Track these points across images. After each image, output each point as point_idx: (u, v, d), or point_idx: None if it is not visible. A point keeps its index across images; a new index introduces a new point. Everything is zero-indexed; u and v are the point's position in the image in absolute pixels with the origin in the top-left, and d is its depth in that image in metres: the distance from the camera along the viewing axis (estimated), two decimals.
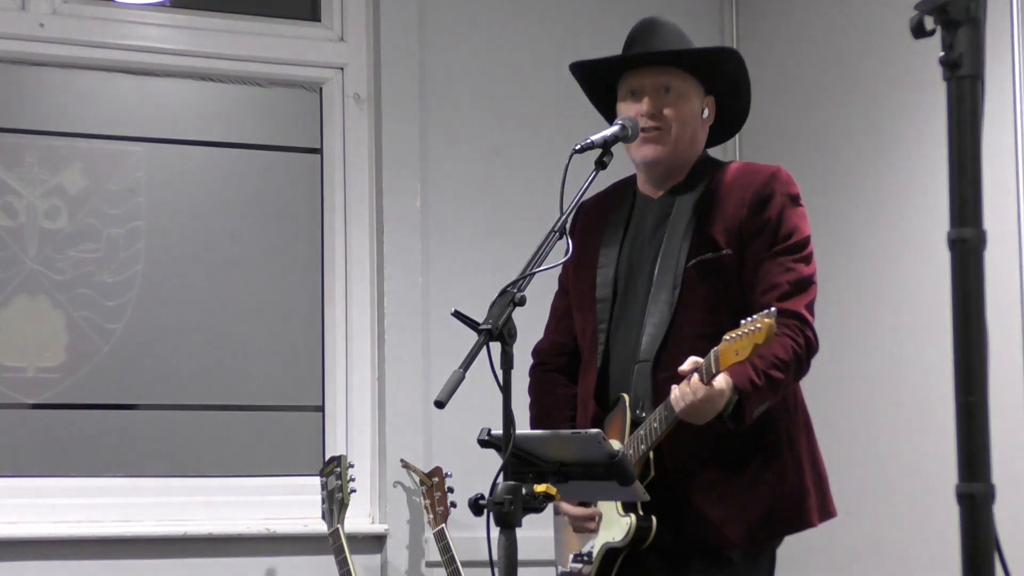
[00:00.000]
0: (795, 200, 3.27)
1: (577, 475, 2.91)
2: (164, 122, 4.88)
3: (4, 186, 4.69)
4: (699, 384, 2.98)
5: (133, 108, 4.86)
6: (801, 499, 3.25)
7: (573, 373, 3.47)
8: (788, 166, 3.39)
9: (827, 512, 3.31)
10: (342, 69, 5.00)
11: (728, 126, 3.46)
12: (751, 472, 3.21)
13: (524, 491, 2.69)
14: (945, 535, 2.34)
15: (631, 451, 3.15)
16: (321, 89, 5.00)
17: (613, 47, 5.24)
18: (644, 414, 3.19)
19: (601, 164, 3.16)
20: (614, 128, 3.21)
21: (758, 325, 2.88)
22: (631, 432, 3.19)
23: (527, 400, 3.53)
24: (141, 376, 4.77)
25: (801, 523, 3.26)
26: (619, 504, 3.20)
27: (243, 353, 4.89)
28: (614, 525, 3.22)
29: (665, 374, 3.16)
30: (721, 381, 3.00)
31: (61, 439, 4.68)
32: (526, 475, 2.82)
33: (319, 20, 5.04)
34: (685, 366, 3.03)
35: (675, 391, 3.03)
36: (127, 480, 4.68)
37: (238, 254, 4.93)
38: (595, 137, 3.18)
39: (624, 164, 3.61)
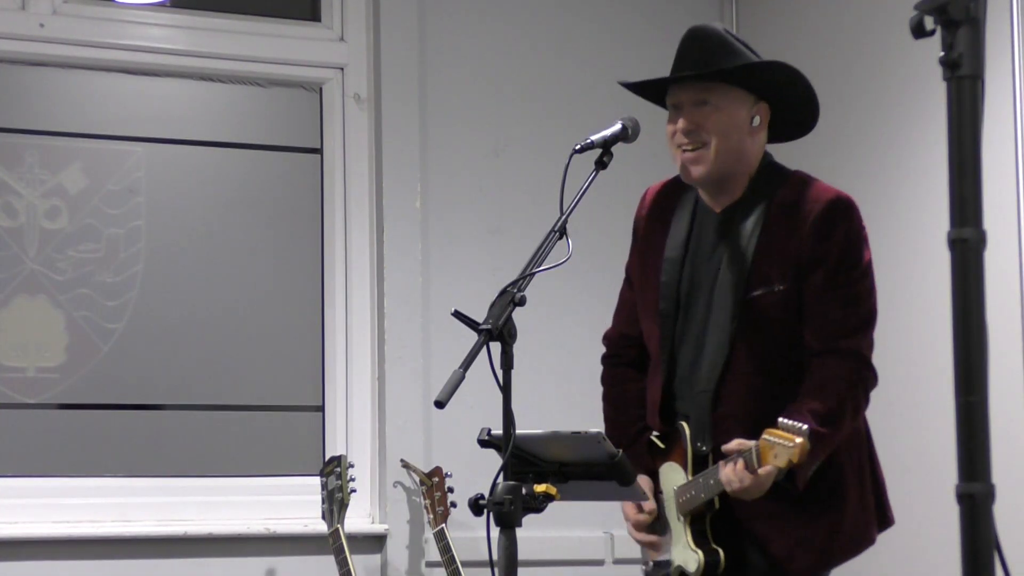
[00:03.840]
0: (859, 228, 3.21)
1: (577, 475, 2.92)
2: (164, 122, 4.88)
3: (4, 186, 4.69)
4: (745, 472, 3.02)
5: (133, 108, 4.85)
6: (864, 525, 3.27)
7: (642, 365, 3.45)
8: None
9: (885, 523, 3.34)
10: (342, 69, 5.00)
11: (797, 125, 3.36)
12: (815, 504, 3.21)
13: (524, 491, 2.69)
14: (945, 535, 2.34)
15: (691, 493, 3.20)
16: (321, 89, 5.00)
17: (613, 47, 5.26)
18: (704, 447, 3.23)
19: (601, 164, 3.16)
20: (614, 128, 3.21)
21: (794, 442, 2.93)
22: (694, 467, 3.24)
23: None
24: (141, 376, 4.77)
25: (861, 546, 3.28)
26: (689, 534, 3.23)
27: (243, 353, 4.89)
28: (686, 553, 3.24)
29: (723, 409, 3.20)
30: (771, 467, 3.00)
31: (61, 439, 4.68)
32: (526, 475, 2.82)
33: (319, 20, 5.03)
34: (731, 445, 3.06)
35: (723, 472, 3.06)
36: (127, 480, 4.68)
37: (238, 254, 4.92)
38: (595, 137, 3.18)
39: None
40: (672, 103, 3.28)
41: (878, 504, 3.31)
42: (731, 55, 3.24)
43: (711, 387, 3.23)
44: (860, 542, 3.28)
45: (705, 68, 3.21)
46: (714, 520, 3.19)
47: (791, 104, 3.30)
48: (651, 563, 3.39)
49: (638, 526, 3.37)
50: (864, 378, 3.17)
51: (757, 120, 3.26)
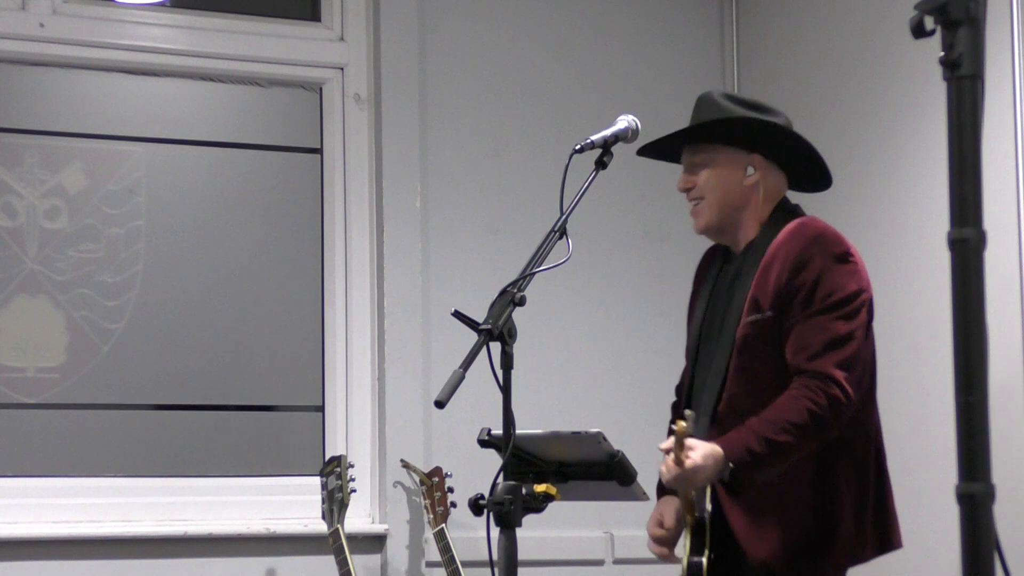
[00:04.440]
0: (840, 259, 3.30)
1: (577, 475, 2.93)
2: (164, 122, 4.88)
3: (4, 186, 4.69)
4: (672, 465, 3.11)
5: (133, 108, 4.85)
6: (853, 546, 3.32)
7: None
8: None
9: (888, 546, 3.40)
10: (342, 69, 5.00)
11: (809, 177, 3.54)
12: (805, 515, 3.28)
13: (524, 491, 2.70)
14: (945, 535, 2.34)
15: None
16: (321, 89, 5.00)
17: (612, 47, 5.26)
18: None
19: (601, 164, 3.18)
20: (615, 128, 3.22)
21: (674, 427, 3.09)
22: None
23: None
24: (141, 376, 4.77)
25: (848, 562, 3.35)
26: (688, 542, 3.31)
27: (243, 353, 4.89)
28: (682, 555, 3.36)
29: (718, 432, 3.27)
30: (708, 452, 3.13)
31: (61, 439, 4.67)
32: (526, 475, 2.83)
33: (319, 20, 5.03)
34: (663, 444, 3.17)
35: (662, 471, 3.18)
36: (127, 480, 4.68)
37: (238, 254, 4.92)
38: (595, 137, 3.19)
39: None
40: (683, 164, 3.53)
41: (880, 527, 3.36)
42: (717, 114, 3.42)
43: (709, 411, 3.34)
44: (848, 559, 3.33)
45: (687, 131, 3.45)
46: (712, 529, 3.25)
47: (787, 153, 3.46)
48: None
49: (657, 541, 3.46)
50: (831, 396, 3.20)
51: (751, 170, 3.43)
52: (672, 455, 3.12)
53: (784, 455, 3.18)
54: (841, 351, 3.23)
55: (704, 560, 3.27)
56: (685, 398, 3.49)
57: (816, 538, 3.28)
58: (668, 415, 3.62)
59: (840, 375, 3.21)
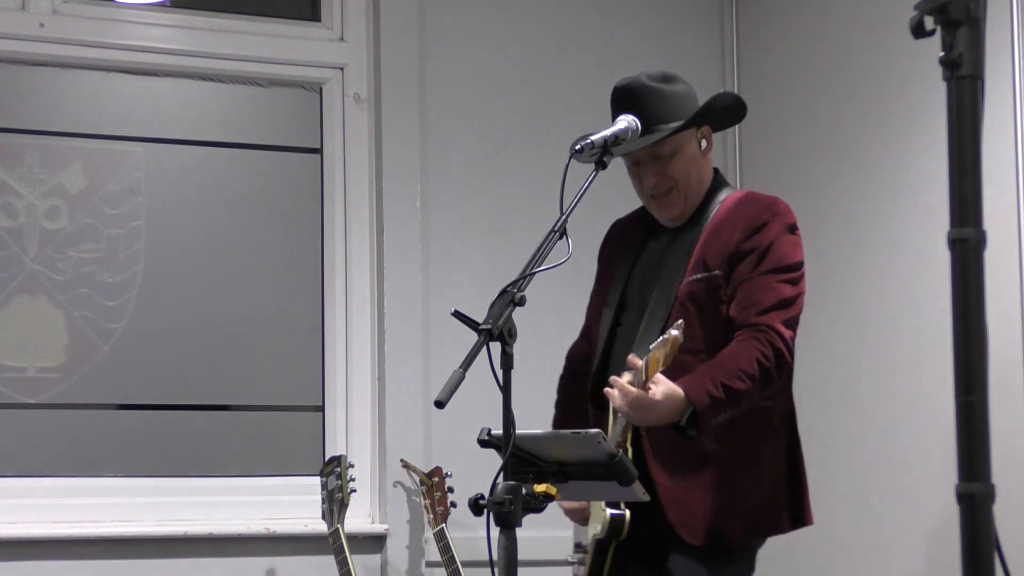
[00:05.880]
0: (790, 229, 3.40)
1: (577, 475, 2.93)
2: (164, 122, 4.88)
3: (4, 186, 4.69)
4: (628, 387, 3.11)
5: (133, 108, 4.85)
6: (773, 507, 3.39)
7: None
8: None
9: (802, 521, 3.45)
10: (342, 69, 5.00)
11: (729, 120, 3.63)
12: (729, 478, 3.34)
13: (524, 491, 2.70)
14: (945, 535, 2.34)
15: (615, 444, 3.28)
16: (321, 89, 5.00)
17: (613, 47, 5.26)
18: None
19: (601, 164, 3.17)
20: (615, 128, 3.22)
21: (666, 336, 3.06)
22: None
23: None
24: (141, 376, 4.77)
25: (772, 528, 3.42)
26: (603, 502, 3.32)
27: (243, 353, 4.89)
28: (598, 518, 3.34)
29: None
30: (670, 391, 3.12)
31: (61, 439, 4.68)
32: (526, 475, 2.83)
33: (319, 20, 5.03)
34: (630, 365, 3.16)
35: (612, 398, 3.16)
36: (127, 480, 4.68)
37: (238, 254, 4.92)
38: (595, 137, 3.19)
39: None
40: (631, 160, 3.47)
41: (794, 500, 3.43)
42: (666, 102, 3.41)
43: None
44: (767, 528, 3.40)
45: (656, 126, 3.37)
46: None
47: (718, 112, 3.53)
48: (572, 548, 3.52)
49: (563, 506, 3.51)
50: (778, 350, 3.27)
51: (704, 143, 3.49)
52: (635, 379, 3.10)
53: (738, 402, 3.22)
54: (788, 311, 3.32)
55: (627, 513, 3.29)
56: (599, 363, 3.48)
57: (738, 505, 3.33)
58: None
59: (786, 333, 3.29)
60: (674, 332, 3.05)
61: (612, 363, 3.45)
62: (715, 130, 3.55)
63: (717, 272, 3.35)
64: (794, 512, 3.42)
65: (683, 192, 3.44)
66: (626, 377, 3.14)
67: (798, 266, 3.37)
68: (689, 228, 3.46)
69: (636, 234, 3.59)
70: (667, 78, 3.47)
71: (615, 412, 3.25)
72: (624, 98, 3.40)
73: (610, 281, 3.56)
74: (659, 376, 3.12)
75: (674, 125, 3.38)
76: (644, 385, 3.10)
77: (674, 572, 3.33)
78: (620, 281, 3.52)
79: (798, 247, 3.40)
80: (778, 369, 3.27)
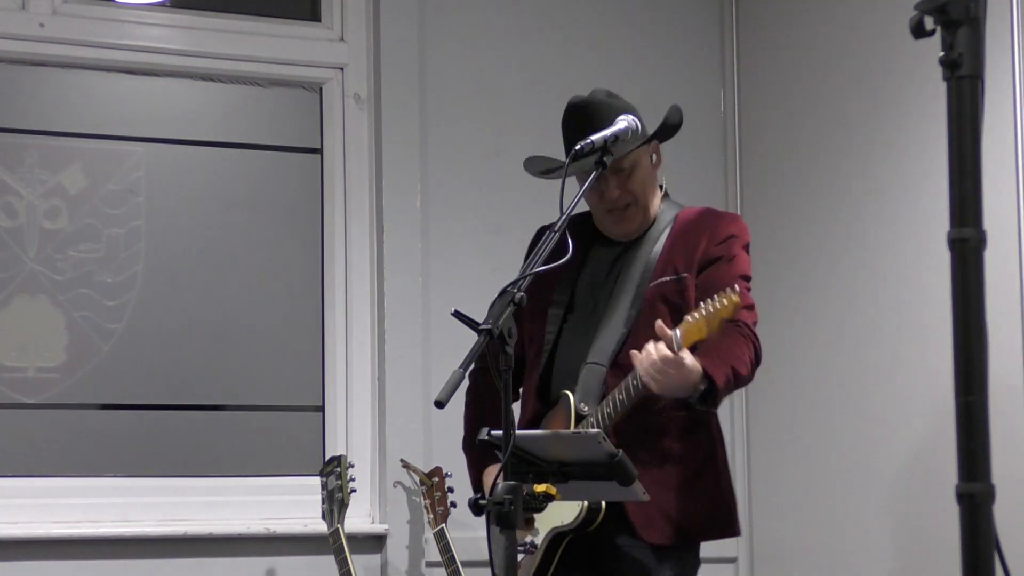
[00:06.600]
0: (747, 248, 3.50)
1: (577, 475, 2.93)
2: (164, 122, 4.88)
3: (4, 186, 4.69)
4: (663, 348, 3.12)
5: (133, 108, 4.85)
6: (729, 509, 3.50)
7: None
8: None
9: (730, 529, 3.53)
10: (342, 69, 5.00)
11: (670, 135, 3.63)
12: (688, 478, 3.42)
13: (524, 491, 2.69)
14: (945, 535, 2.34)
15: (607, 410, 3.32)
16: (321, 89, 5.00)
17: (612, 48, 5.26)
18: (587, 408, 3.39)
19: (601, 164, 3.18)
20: (615, 128, 3.23)
21: (723, 301, 3.07)
22: (576, 424, 3.39)
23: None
24: (141, 376, 4.77)
25: (728, 530, 3.50)
26: None
27: (243, 353, 4.89)
28: (565, 509, 3.35)
29: (619, 373, 3.33)
30: (690, 367, 3.15)
31: (61, 439, 4.68)
32: (526, 475, 2.83)
33: (319, 20, 5.03)
34: (651, 342, 3.17)
35: (637, 356, 3.17)
36: (127, 480, 4.68)
37: (238, 254, 4.92)
38: (595, 137, 3.20)
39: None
40: (601, 177, 3.44)
41: (727, 507, 3.53)
42: (618, 115, 3.38)
43: (605, 359, 3.42)
44: (723, 526, 3.49)
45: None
46: None
47: (676, 125, 3.55)
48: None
49: None
50: (757, 349, 3.36)
51: (655, 157, 3.54)
52: (668, 342, 3.11)
53: (737, 387, 3.32)
54: (753, 315, 3.40)
55: (603, 504, 3.34)
56: (545, 360, 3.50)
57: (695, 504, 3.41)
58: None
59: (757, 334, 3.38)
60: (733, 296, 3.08)
61: (557, 360, 3.50)
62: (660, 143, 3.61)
63: (685, 275, 3.42)
64: (729, 519, 3.52)
65: (641, 207, 3.50)
66: (661, 345, 3.16)
67: (749, 282, 3.47)
68: (643, 239, 3.53)
69: (576, 241, 3.59)
70: (612, 95, 3.51)
71: (576, 414, 3.35)
72: (580, 113, 3.44)
73: (549, 281, 3.53)
74: (685, 351, 3.14)
75: (640, 138, 3.40)
76: (676, 351, 3.14)
77: (624, 565, 3.40)
78: (567, 283, 3.55)
79: (750, 266, 3.51)
80: (757, 365, 3.36)
